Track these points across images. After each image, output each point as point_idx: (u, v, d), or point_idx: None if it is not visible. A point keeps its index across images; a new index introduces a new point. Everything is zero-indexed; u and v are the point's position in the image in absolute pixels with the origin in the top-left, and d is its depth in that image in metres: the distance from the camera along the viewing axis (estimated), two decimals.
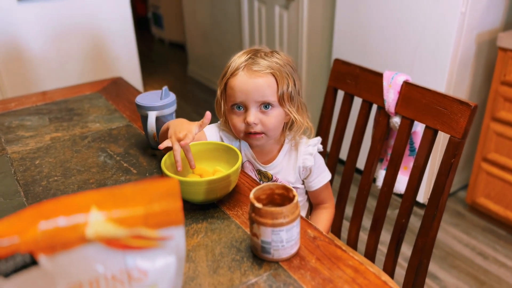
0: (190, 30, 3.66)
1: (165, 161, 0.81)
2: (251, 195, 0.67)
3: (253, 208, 0.66)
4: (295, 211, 0.66)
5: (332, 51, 2.22)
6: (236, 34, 3.03)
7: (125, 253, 0.41)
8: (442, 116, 0.94)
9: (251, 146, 0.98)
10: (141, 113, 0.99)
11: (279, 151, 0.99)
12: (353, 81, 1.14)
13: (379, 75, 1.07)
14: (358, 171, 2.08)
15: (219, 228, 0.76)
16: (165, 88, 0.99)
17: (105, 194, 0.40)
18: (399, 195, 1.36)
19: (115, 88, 1.37)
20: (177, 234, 0.43)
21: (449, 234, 1.90)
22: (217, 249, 0.71)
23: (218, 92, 0.94)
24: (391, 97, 1.04)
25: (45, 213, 0.39)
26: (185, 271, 0.66)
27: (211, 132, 1.00)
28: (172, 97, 1.00)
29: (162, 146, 0.81)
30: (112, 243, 0.40)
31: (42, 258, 0.39)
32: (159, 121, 0.99)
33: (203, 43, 3.51)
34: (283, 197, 0.71)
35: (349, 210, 1.44)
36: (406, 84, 1.02)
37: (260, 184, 0.77)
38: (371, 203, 1.90)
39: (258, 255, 0.68)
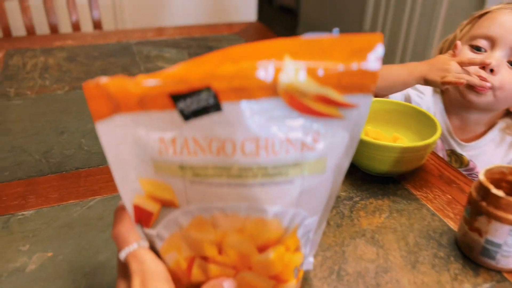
0: None
1: None
2: (482, 177, 0.49)
3: (485, 195, 0.48)
4: None
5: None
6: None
7: (304, 116, 0.35)
8: None
9: (452, 112, 0.78)
10: None
11: (487, 130, 0.78)
12: None
13: None
14: None
15: (406, 210, 0.59)
16: (336, 30, 0.82)
17: (300, 43, 0.34)
18: None
19: (254, 32, 1.24)
20: (363, 103, 0.35)
21: None
22: (409, 237, 0.55)
23: (458, 30, 0.76)
24: None
25: (232, 56, 0.34)
26: (374, 258, 0.51)
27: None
28: None
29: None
30: (295, 101, 0.34)
31: (225, 104, 0.34)
32: None
33: (318, 7, 3.29)
34: None
35: None
36: None
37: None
38: None
39: (472, 257, 0.51)
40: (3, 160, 0.68)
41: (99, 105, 0.36)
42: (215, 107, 0.35)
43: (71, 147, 0.72)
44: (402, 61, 2.34)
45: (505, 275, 0.49)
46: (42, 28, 1.70)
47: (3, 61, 1.07)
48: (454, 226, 0.56)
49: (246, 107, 0.35)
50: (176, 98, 0.35)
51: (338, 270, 0.50)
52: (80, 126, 0.78)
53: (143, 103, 0.36)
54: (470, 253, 0.51)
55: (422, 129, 0.67)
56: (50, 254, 0.51)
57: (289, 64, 0.34)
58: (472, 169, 0.77)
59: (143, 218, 0.42)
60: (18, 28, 1.76)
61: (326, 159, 0.39)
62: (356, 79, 0.34)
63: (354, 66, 0.34)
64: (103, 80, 0.35)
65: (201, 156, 0.37)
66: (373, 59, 0.34)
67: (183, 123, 0.36)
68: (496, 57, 0.70)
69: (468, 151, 0.77)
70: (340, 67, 0.34)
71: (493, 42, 0.71)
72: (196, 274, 0.43)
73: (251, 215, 0.39)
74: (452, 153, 0.78)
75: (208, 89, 0.34)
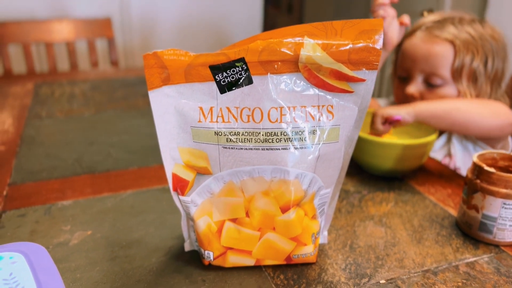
0: None
1: None
2: (476, 159, 0.56)
3: (480, 173, 0.54)
4: None
5: None
6: None
7: (320, 90, 0.44)
8: None
9: None
10: None
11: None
12: None
13: None
14: None
15: (410, 200, 0.65)
16: None
17: (316, 26, 0.42)
18: None
19: None
20: (370, 78, 0.43)
21: None
22: (414, 220, 0.60)
23: (394, 53, 0.88)
24: None
25: (262, 37, 0.42)
26: (383, 235, 0.56)
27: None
28: None
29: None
30: (312, 76, 0.43)
31: (255, 77, 0.43)
32: None
33: None
34: (507, 172, 0.59)
35: None
36: None
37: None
38: None
39: (471, 234, 0.56)
40: (40, 164, 0.75)
41: (153, 75, 0.44)
42: (248, 80, 0.43)
43: (100, 155, 0.78)
44: None
45: (503, 248, 0.54)
46: (63, 67, 1.82)
47: (33, 91, 1.16)
48: (454, 213, 0.62)
49: (272, 80, 0.43)
50: (214, 68, 0.42)
51: (351, 244, 0.55)
52: (108, 139, 0.85)
53: (189, 74, 0.43)
54: (469, 230, 0.56)
55: (421, 135, 0.74)
56: (89, 232, 0.56)
57: (308, 41, 0.42)
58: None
59: (180, 186, 0.48)
60: (40, 68, 1.88)
61: (339, 129, 0.46)
62: (363, 55, 0.42)
63: (361, 44, 0.42)
64: (159, 50, 0.42)
65: (234, 123, 0.44)
66: (377, 39, 0.42)
67: (219, 94, 0.44)
68: (413, 85, 0.82)
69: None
70: (350, 44, 0.42)
71: (410, 71, 0.83)
72: (225, 236, 0.48)
73: (275, 177, 0.45)
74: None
75: (242, 59, 0.42)
